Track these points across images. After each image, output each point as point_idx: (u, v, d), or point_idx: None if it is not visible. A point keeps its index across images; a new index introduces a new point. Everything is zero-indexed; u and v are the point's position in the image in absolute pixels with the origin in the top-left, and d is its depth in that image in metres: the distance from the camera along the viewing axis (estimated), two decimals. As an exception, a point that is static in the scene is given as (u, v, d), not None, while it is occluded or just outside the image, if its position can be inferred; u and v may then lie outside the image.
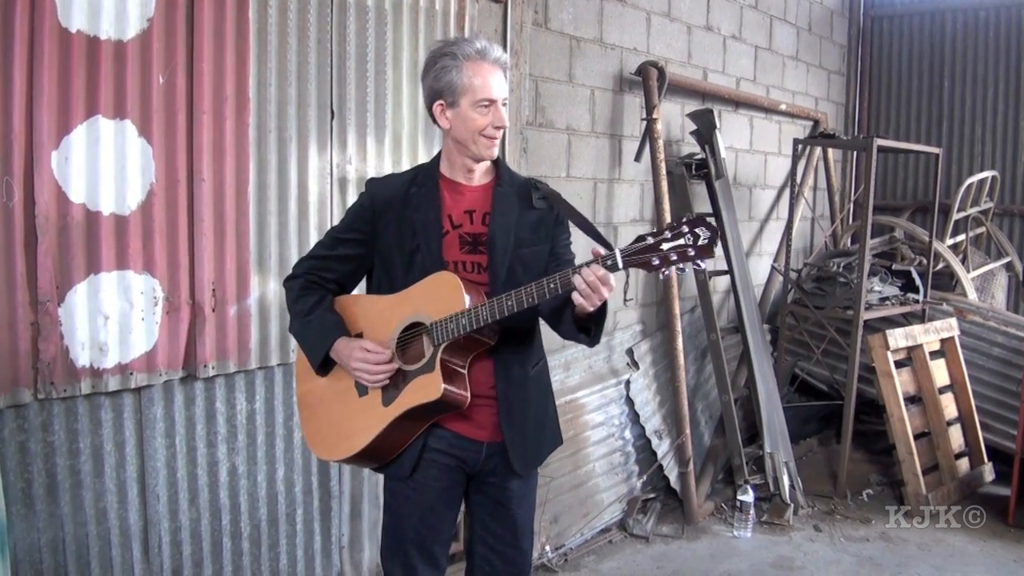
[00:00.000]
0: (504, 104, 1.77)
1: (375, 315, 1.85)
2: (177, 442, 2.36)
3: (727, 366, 4.08)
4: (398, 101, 2.79)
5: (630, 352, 3.93)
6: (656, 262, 1.52)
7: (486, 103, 1.74)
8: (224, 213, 2.38)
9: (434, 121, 1.82)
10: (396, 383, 1.78)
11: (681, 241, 1.50)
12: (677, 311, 3.84)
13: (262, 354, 2.52)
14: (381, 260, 1.86)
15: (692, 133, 4.12)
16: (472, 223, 1.82)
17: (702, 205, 4.19)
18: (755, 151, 4.88)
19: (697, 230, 1.50)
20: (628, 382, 3.81)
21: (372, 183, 1.91)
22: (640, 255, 1.53)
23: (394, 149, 2.80)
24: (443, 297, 1.71)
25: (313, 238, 2.60)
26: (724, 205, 4.15)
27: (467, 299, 1.69)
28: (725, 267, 4.21)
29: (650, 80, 3.73)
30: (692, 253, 1.50)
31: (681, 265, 1.51)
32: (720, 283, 4.53)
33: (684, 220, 1.52)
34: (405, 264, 1.81)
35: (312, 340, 1.85)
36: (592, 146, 3.69)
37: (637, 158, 3.81)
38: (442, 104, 1.77)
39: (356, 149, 2.70)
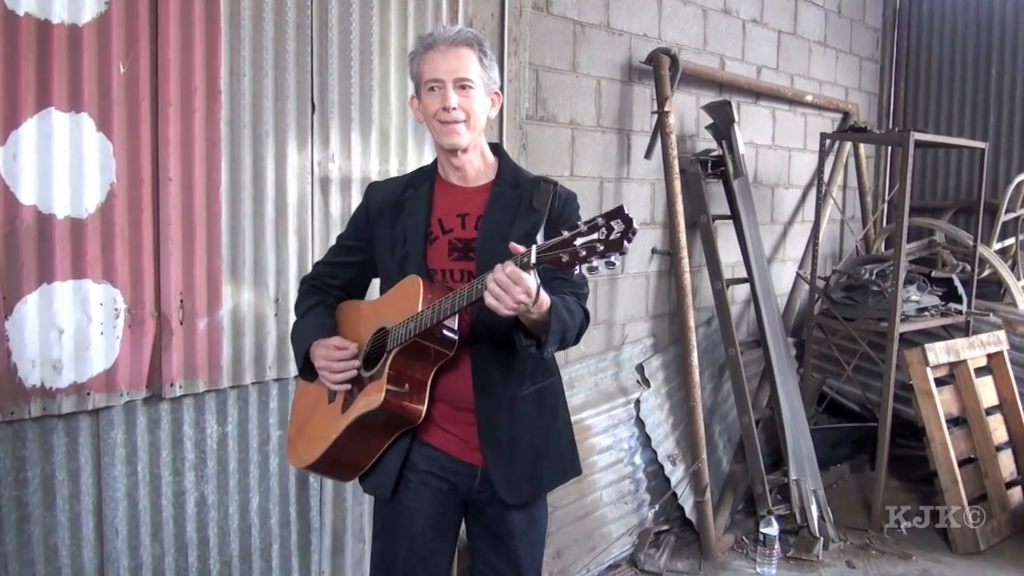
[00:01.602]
0: (463, 86, 1.77)
1: (359, 322, 1.92)
2: (139, 470, 2.35)
3: (747, 384, 4.05)
4: (385, 93, 2.79)
5: (640, 368, 3.91)
6: (565, 259, 1.46)
7: (431, 85, 1.79)
8: (193, 216, 2.37)
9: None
10: (354, 391, 1.85)
11: (595, 236, 1.45)
12: (692, 323, 3.81)
13: (235, 372, 2.51)
14: (380, 266, 1.95)
15: (708, 127, 4.11)
16: (464, 228, 1.84)
17: (719, 206, 4.18)
18: (778, 147, 4.86)
19: (612, 223, 1.44)
20: (638, 401, 3.79)
21: (370, 187, 2.02)
22: (551, 251, 1.48)
23: (381, 146, 2.80)
24: (405, 301, 1.76)
25: (292, 243, 2.61)
26: (743, 206, 4.14)
27: (421, 303, 1.72)
28: (745, 275, 4.20)
29: (662, 69, 3.72)
30: (601, 248, 1.44)
31: (593, 262, 1.45)
32: (739, 292, 4.51)
33: (603, 213, 1.47)
34: (398, 271, 1.86)
35: (296, 342, 1.96)
36: (598, 142, 3.68)
37: (647, 155, 3.80)
38: (414, 97, 1.87)
39: (339, 146, 2.69)
